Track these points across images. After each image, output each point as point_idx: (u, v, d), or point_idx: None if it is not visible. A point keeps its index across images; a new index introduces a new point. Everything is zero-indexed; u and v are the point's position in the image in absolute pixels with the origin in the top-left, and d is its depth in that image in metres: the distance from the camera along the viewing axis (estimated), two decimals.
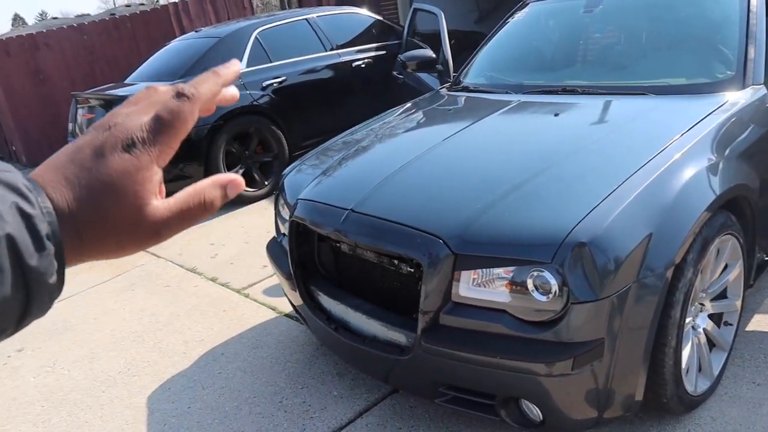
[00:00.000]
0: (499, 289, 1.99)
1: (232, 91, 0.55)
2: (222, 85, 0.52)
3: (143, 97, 0.51)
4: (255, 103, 5.56)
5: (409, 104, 3.66)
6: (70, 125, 5.94)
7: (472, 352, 2.00)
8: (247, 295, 3.86)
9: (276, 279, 3.98)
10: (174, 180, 5.27)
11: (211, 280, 4.16)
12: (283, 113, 5.73)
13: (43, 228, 0.42)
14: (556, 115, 2.69)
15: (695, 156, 2.20)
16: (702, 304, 2.43)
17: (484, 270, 2.01)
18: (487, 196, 2.16)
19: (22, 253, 0.41)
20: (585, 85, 2.96)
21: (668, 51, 3.06)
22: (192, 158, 5.27)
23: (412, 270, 2.27)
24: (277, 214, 3.11)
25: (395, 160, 2.62)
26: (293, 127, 5.82)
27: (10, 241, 0.40)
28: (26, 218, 0.42)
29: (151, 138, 0.48)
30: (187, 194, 0.50)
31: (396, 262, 2.32)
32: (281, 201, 3.02)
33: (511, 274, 1.97)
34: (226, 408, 2.77)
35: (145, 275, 4.43)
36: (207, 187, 0.51)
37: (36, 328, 3.86)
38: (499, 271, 1.99)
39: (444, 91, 3.71)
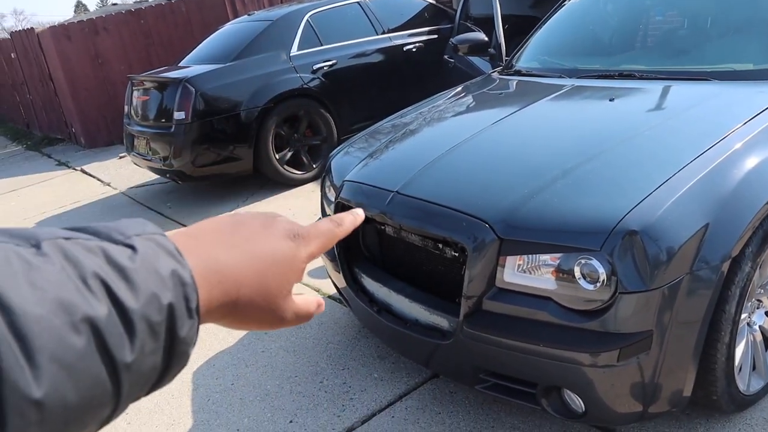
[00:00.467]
0: (545, 276, 1.94)
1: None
2: (352, 229, 0.62)
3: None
4: (305, 86, 5.58)
5: (459, 88, 3.61)
6: (126, 107, 6.08)
7: (515, 339, 1.97)
8: None
9: (320, 261, 4.00)
10: (224, 161, 5.35)
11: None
12: (332, 96, 5.74)
13: (193, 299, 0.43)
14: (611, 100, 2.60)
15: (759, 146, 2.09)
16: (759, 301, 2.33)
17: (530, 256, 1.97)
18: (536, 180, 2.11)
19: (176, 323, 0.42)
20: (643, 70, 2.86)
21: (734, 35, 2.92)
22: (242, 140, 5.33)
23: (457, 254, 2.24)
24: (324, 195, 3.11)
25: (443, 143, 2.59)
26: (342, 110, 5.82)
27: (171, 310, 0.41)
28: (183, 286, 0.42)
29: (310, 239, 0.54)
30: (304, 301, 0.55)
31: (440, 245, 2.29)
32: (327, 182, 3.03)
33: (558, 261, 1.92)
34: (268, 386, 2.80)
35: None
36: (311, 301, 0.56)
37: None
38: (546, 257, 1.94)
39: (496, 74, 3.64)
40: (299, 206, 5.16)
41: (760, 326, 2.32)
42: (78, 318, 0.36)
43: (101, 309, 0.37)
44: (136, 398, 0.42)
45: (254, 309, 0.49)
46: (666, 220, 1.82)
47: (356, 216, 0.63)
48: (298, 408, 2.62)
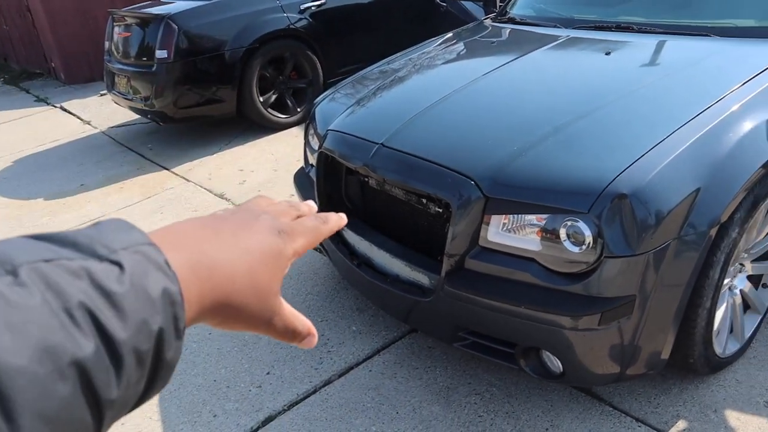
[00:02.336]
0: (530, 236, 1.90)
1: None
2: (336, 229, 0.59)
3: (270, 201, 0.56)
4: (292, 26, 5.39)
5: (450, 34, 3.49)
6: (107, 43, 5.86)
7: (497, 300, 1.93)
8: None
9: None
10: (206, 103, 5.21)
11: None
12: (320, 38, 5.55)
13: (182, 317, 0.39)
14: (607, 53, 2.51)
15: (755, 108, 2.02)
16: (742, 265, 2.31)
17: (515, 215, 1.92)
18: (525, 137, 2.05)
19: (164, 347, 0.37)
20: (641, 23, 2.75)
21: None
22: (226, 81, 5.17)
23: (441, 210, 2.18)
24: (307, 143, 3.03)
25: (431, 93, 2.50)
26: (330, 53, 5.65)
27: (160, 335, 0.37)
28: (173, 306, 0.38)
29: (295, 236, 0.52)
30: (295, 314, 0.52)
31: (424, 200, 2.23)
32: (311, 130, 2.94)
33: (544, 222, 1.87)
34: (246, 336, 2.77)
35: (174, 199, 4.43)
36: (306, 323, 0.53)
37: None
38: (531, 217, 1.89)
39: (488, 21, 3.51)
40: (282, 151, 5.06)
41: (740, 290, 2.31)
42: (65, 363, 0.32)
43: (89, 346, 0.33)
44: (114, 420, 0.38)
45: (246, 307, 0.46)
46: (656, 184, 1.76)
47: (341, 218, 0.60)
48: (275, 360, 2.60)
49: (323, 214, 0.57)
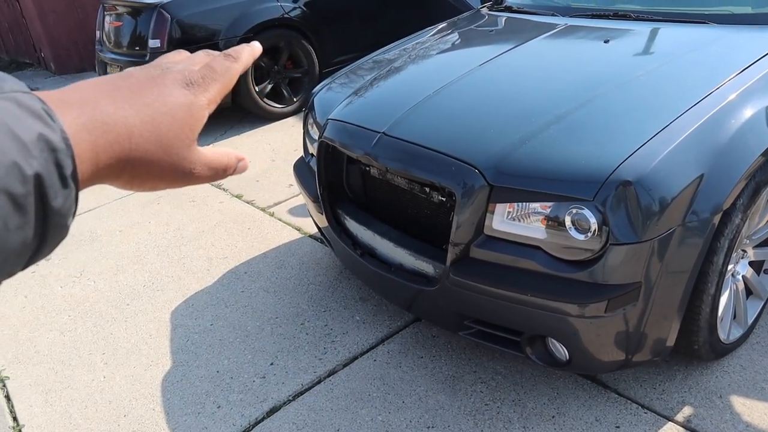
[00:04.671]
0: (535, 224, 1.90)
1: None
2: (251, 61, 0.57)
3: (186, 55, 0.55)
4: (286, 15, 5.35)
5: (446, 23, 3.47)
6: (98, 33, 5.80)
7: (502, 288, 1.94)
8: (272, 214, 3.82)
9: (301, 199, 3.93)
10: None
11: (236, 197, 4.12)
12: (315, 27, 5.52)
13: (67, 165, 0.38)
14: (605, 41, 2.51)
15: (755, 95, 2.03)
16: (744, 251, 2.32)
17: (520, 204, 1.92)
18: (528, 126, 2.04)
19: (47, 194, 0.37)
20: (639, 11, 2.75)
21: None
22: None
23: (444, 199, 2.18)
24: (306, 133, 3.01)
25: (431, 82, 2.49)
26: (325, 42, 5.62)
27: (38, 180, 0.36)
28: (54, 152, 0.37)
29: (207, 83, 0.51)
30: (218, 152, 0.52)
31: (427, 189, 2.23)
32: (310, 119, 2.92)
33: (549, 210, 1.87)
34: (248, 327, 2.77)
35: (171, 189, 4.40)
36: (229, 155, 0.54)
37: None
38: (536, 205, 1.89)
39: (485, 10, 3.50)
40: (279, 141, 5.04)
41: (743, 276, 2.33)
42: None
43: None
44: (11, 274, 0.38)
45: (152, 162, 0.46)
46: (661, 171, 1.77)
47: (253, 48, 0.58)
48: (278, 350, 2.60)
49: (234, 50, 0.55)
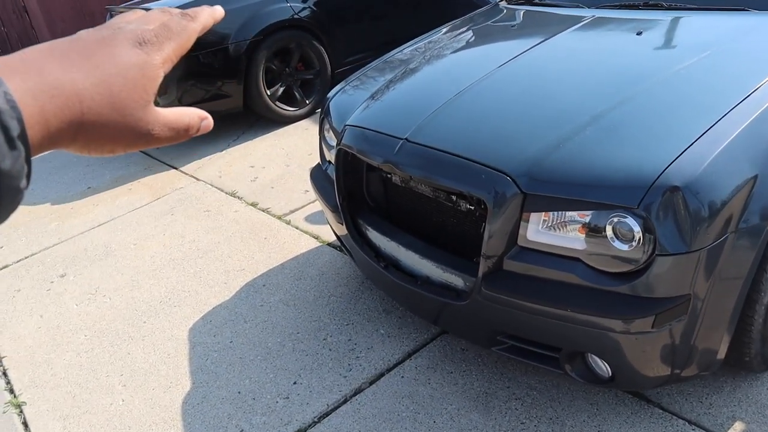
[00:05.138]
0: (574, 234, 1.77)
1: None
2: (211, 23, 0.56)
3: (141, 14, 0.52)
4: (296, 16, 5.24)
5: (463, 20, 3.34)
6: None
7: (539, 303, 1.81)
8: (288, 222, 3.72)
9: (318, 205, 3.82)
10: (212, 98, 5.08)
11: (252, 205, 4.02)
12: (325, 28, 5.40)
13: (14, 126, 0.38)
14: (639, 33, 2.36)
15: None
16: None
17: (556, 212, 1.79)
18: (562, 128, 1.91)
19: None
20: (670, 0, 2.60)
21: None
22: (231, 75, 5.03)
23: (472, 207, 2.06)
24: (322, 139, 2.90)
25: (453, 84, 2.36)
26: (336, 42, 5.50)
27: None
28: None
29: (161, 42, 0.49)
30: (178, 111, 0.51)
31: (453, 198, 2.11)
32: (326, 125, 2.81)
33: (588, 219, 1.74)
34: (269, 343, 2.66)
35: (185, 199, 4.31)
36: (193, 113, 0.52)
37: (77, 252, 3.80)
38: (574, 214, 1.77)
39: (504, 4, 3.36)
40: (293, 145, 4.93)
41: None
42: None
43: None
44: None
45: (106, 124, 0.45)
46: (711, 174, 1.63)
47: (214, 10, 0.56)
48: (301, 368, 2.50)
49: (192, 10, 0.53)
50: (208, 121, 0.54)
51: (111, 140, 0.46)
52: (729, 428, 1.98)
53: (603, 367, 1.90)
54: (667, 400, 2.11)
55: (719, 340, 1.84)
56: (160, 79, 0.48)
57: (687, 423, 2.01)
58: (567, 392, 2.19)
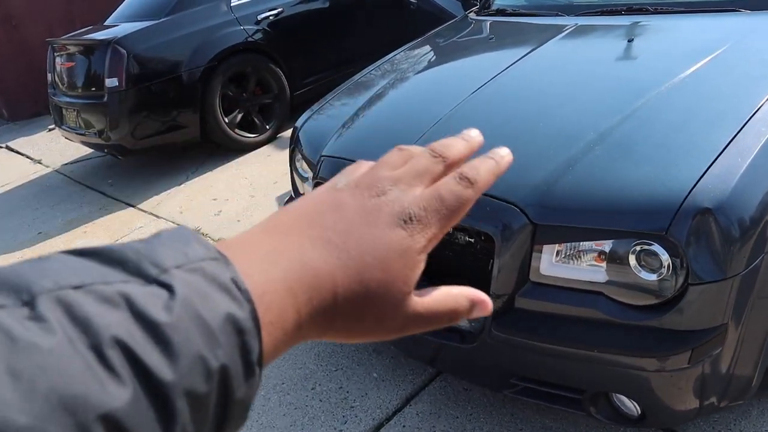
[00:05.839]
0: (592, 265, 1.61)
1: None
2: (501, 173, 0.44)
3: (404, 161, 0.43)
4: (250, 39, 5.01)
5: (433, 33, 3.18)
6: (49, 76, 5.41)
7: (558, 343, 1.64)
8: None
9: None
10: (167, 130, 4.82)
11: (218, 241, 3.76)
12: (281, 49, 5.19)
13: (254, 348, 0.31)
14: (630, 40, 2.23)
15: None
16: None
17: (571, 243, 1.62)
18: (567, 148, 1.75)
19: (231, 386, 0.30)
20: (656, 2, 2.48)
21: None
22: (186, 105, 4.77)
23: (472, 240, 1.88)
24: (294, 170, 2.69)
25: (437, 105, 2.19)
26: (293, 64, 5.28)
27: (223, 373, 0.30)
28: (240, 335, 0.31)
29: (430, 219, 0.39)
30: (441, 296, 0.41)
31: (450, 230, 1.92)
32: (298, 155, 2.60)
33: (608, 248, 1.58)
34: None
35: None
36: (460, 296, 0.41)
37: None
38: (591, 244, 1.60)
39: (473, 16, 3.21)
40: (256, 173, 4.69)
41: None
42: (90, 417, 0.25)
43: (124, 394, 0.26)
44: None
45: (356, 323, 0.37)
46: (742, 192, 1.49)
47: (499, 163, 0.44)
48: (290, 424, 2.26)
49: (470, 167, 0.42)
50: (484, 305, 0.42)
51: (357, 337, 0.39)
52: None
53: (631, 406, 1.73)
54: (693, 429, 1.96)
55: (755, 366, 1.69)
56: (422, 266, 0.39)
57: None
58: (584, 429, 2.02)
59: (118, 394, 0.26)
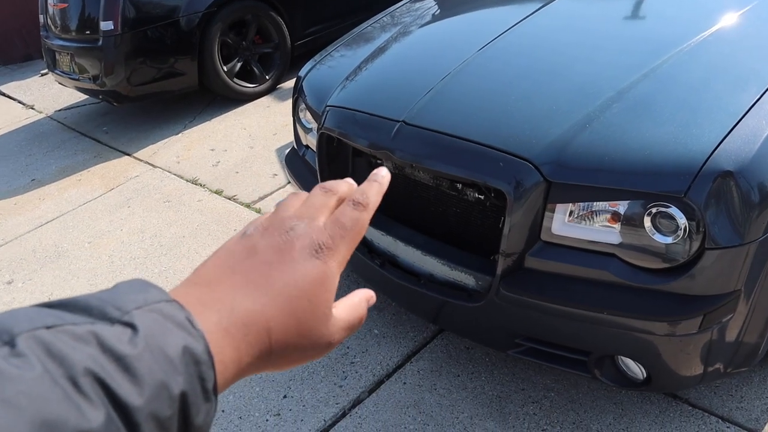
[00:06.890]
0: (606, 226, 1.57)
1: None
2: (383, 193, 0.50)
3: (300, 202, 0.48)
4: None
5: None
6: (42, 17, 5.24)
7: (567, 305, 1.61)
8: (258, 210, 3.44)
9: (289, 189, 3.54)
10: (164, 77, 4.70)
11: (216, 192, 3.72)
12: None
13: (210, 377, 0.35)
14: None
15: None
16: None
17: (585, 203, 1.58)
18: (584, 105, 1.69)
19: (190, 412, 0.34)
20: None
21: None
22: (184, 51, 4.65)
23: (482, 197, 1.84)
24: (297, 121, 2.62)
25: (450, 56, 2.12)
26: (296, 12, 5.14)
27: (183, 399, 0.34)
28: (197, 365, 0.35)
29: (337, 244, 0.45)
30: (349, 306, 0.47)
31: (459, 185, 1.88)
32: (302, 105, 2.53)
33: (623, 209, 1.54)
34: None
35: (141, 189, 3.97)
36: (360, 302, 0.48)
37: (25, 255, 3.44)
38: (605, 204, 1.56)
39: None
40: (255, 124, 4.61)
41: None
42: None
43: (97, 416, 0.30)
44: None
45: (294, 350, 0.42)
46: (765, 155, 1.44)
47: (381, 183, 0.49)
48: (291, 379, 2.26)
49: (360, 192, 0.48)
50: (373, 299, 0.50)
51: (294, 362, 0.43)
52: (765, 423, 1.83)
53: (637, 370, 1.72)
54: (695, 395, 1.96)
55: (763, 334, 1.67)
56: (336, 285, 0.44)
57: (720, 420, 1.86)
58: (587, 392, 2.02)
59: (93, 417, 0.30)
